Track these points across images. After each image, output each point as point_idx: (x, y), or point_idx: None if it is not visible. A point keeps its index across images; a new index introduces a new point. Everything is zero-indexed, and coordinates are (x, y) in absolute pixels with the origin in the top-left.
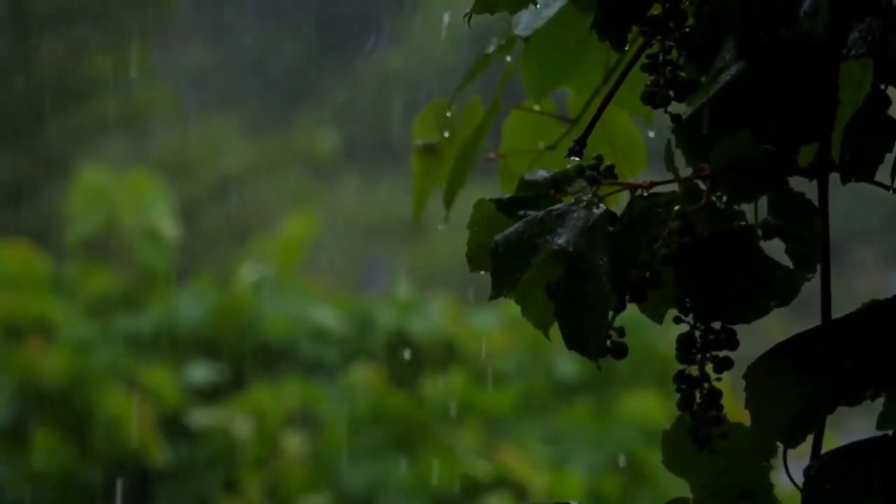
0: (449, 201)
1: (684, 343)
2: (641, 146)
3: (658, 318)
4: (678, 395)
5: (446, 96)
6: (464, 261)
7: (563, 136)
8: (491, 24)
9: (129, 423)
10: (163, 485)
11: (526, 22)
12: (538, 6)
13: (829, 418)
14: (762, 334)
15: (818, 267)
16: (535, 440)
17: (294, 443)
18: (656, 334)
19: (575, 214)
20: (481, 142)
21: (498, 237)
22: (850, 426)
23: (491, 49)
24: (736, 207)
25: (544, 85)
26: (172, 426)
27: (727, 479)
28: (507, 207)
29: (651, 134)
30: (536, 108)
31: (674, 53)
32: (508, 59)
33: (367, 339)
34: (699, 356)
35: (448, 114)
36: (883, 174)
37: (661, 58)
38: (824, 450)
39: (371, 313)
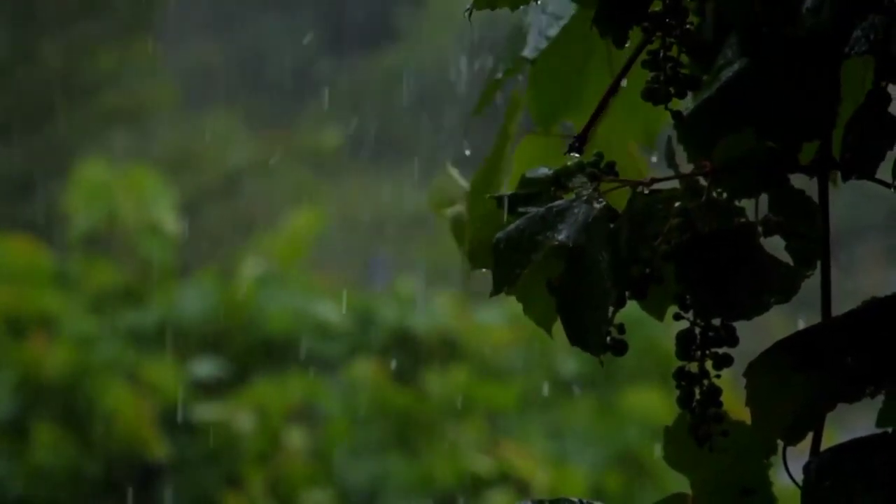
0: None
1: (684, 340)
2: (642, 161)
3: (659, 314)
4: (678, 392)
5: (451, 93)
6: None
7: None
8: (493, 18)
9: (130, 419)
10: (165, 480)
11: (532, 44)
12: (542, 28)
13: (829, 415)
14: (764, 331)
15: (818, 264)
16: (538, 436)
17: (296, 438)
18: (659, 331)
19: (575, 210)
20: (498, 173)
21: (499, 234)
22: (850, 423)
23: (499, 74)
24: (737, 204)
25: (553, 114)
26: (174, 421)
27: (728, 476)
28: (508, 204)
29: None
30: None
31: (674, 50)
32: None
33: (370, 334)
34: (698, 353)
35: (466, 151)
36: (884, 172)
37: (661, 54)
38: (824, 447)
39: (374, 309)
